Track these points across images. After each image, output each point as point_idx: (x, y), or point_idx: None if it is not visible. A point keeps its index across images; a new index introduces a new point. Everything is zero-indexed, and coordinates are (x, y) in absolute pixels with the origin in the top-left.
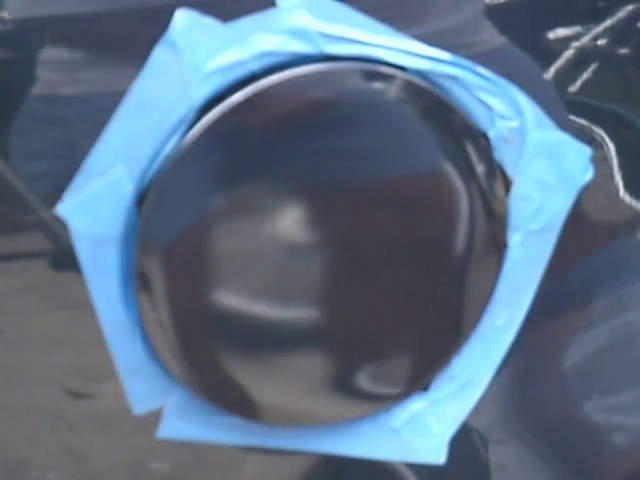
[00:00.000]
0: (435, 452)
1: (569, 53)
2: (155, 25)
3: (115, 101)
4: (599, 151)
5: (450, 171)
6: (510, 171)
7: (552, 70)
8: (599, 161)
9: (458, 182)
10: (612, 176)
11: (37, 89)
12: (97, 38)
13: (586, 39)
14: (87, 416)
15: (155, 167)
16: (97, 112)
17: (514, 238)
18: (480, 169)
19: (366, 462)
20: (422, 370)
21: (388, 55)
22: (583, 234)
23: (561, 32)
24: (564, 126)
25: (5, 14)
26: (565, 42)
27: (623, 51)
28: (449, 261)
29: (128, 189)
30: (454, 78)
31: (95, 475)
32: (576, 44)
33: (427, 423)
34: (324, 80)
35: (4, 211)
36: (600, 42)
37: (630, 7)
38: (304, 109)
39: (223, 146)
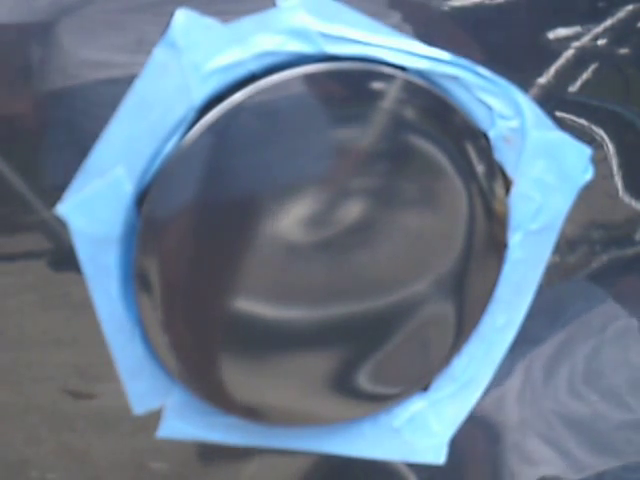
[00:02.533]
0: (435, 452)
1: (569, 53)
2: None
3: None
4: (599, 151)
5: (450, 171)
6: (510, 171)
7: (552, 70)
8: (599, 161)
9: (458, 182)
10: (612, 176)
11: (36, 89)
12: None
13: (586, 39)
14: (87, 416)
15: (155, 167)
16: (95, 109)
17: (514, 238)
18: (480, 169)
19: (366, 462)
20: (422, 370)
21: (388, 55)
22: None
23: (561, 32)
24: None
25: None
26: (565, 42)
27: (623, 51)
28: (449, 261)
29: (128, 189)
30: (454, 78)
31: (95, 475)
32: (576, 44)
33: (427, 423)
34: (324, 80)
35: (4, 211)
36: (600, 42)
37: (630, 7)
38: (304, 109)
39: (223, 146)
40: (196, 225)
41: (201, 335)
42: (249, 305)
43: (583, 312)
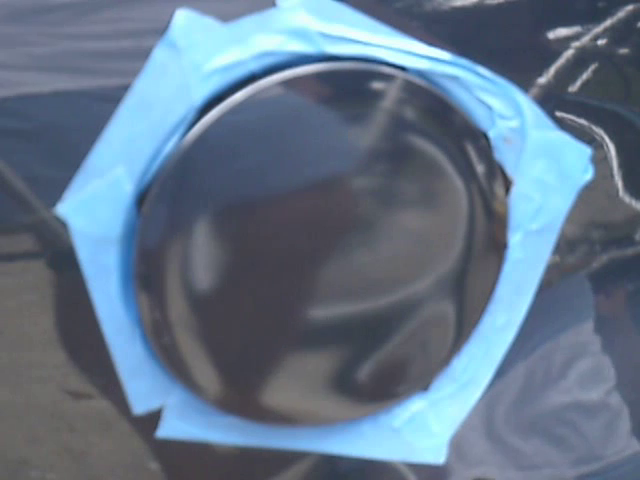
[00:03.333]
0: (435, 452)
1: (569, 53)
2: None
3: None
4: (599, 151)
5: (450, 171)
6: (510, 171)
7: (552, 70)
8: (599, 161)
9: (458, 182)
10: (612, 176)
11: (31, 88)
12: None
13: (586, 39)
14: (87, 416)
15: (155, 167)
16: (94, 111)
17: (514, 238)
18: (480, 169)
19: (366, 462)
20: (422, 370)
21: (388, 55)
22: None
23: (561, 32)
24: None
25: None
26: (565, 42)
27: (623, 51)
28: (449, 261)
29: (128, 189)
30: (454, 78)
31: (95, 475)
32: (576, 44)
33: (427, 423)
34: (324, 80)
35: (4, 211)
36: (600, 42)
37: (630, 7)
38: (304, 109)
39: (223, 146)
40: (196, 225)
41: (201, 335)
42: (249, 305)
43: (554, 335)
